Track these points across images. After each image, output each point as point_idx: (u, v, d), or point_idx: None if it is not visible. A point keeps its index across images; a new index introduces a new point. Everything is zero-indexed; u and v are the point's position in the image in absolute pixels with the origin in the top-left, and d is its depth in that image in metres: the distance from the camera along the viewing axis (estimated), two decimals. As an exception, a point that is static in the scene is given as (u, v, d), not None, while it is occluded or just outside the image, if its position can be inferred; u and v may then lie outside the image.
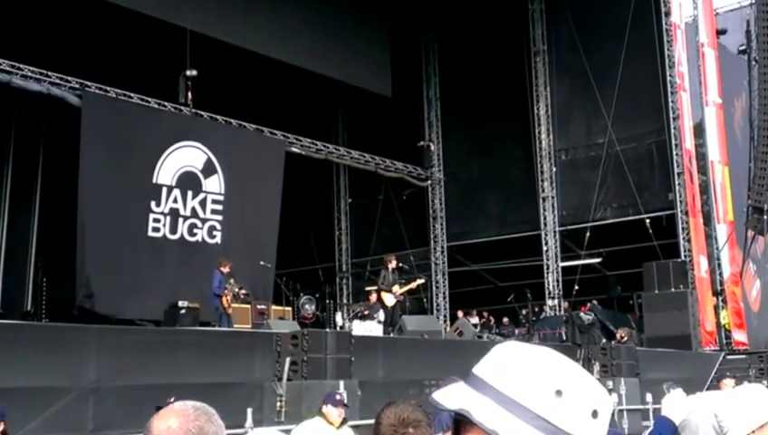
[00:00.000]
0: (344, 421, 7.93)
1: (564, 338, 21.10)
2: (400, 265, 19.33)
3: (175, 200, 20.50)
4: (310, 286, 24.99)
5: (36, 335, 11.71)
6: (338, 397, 7.99)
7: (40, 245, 22.58)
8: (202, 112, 21.49)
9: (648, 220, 23.47)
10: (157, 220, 20.16)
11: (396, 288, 18.03)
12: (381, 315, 18.82)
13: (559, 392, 1.47)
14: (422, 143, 27.99)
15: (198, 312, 16.26)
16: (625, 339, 17.66)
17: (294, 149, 23.86)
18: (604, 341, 17.55)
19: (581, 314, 18.43)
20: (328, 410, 7.64)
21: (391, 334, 17.52)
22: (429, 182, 28.01)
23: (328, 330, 15.53)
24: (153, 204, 20.11)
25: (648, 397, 16.10)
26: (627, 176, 23.90)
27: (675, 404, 4.04)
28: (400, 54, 26.93)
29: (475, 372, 1.55)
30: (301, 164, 24.64)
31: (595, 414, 1.49)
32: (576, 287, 24.48)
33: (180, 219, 20.57)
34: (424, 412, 3.16)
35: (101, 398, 11.04)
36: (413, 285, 18.85)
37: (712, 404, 3.45)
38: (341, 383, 10.19)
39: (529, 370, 1.50)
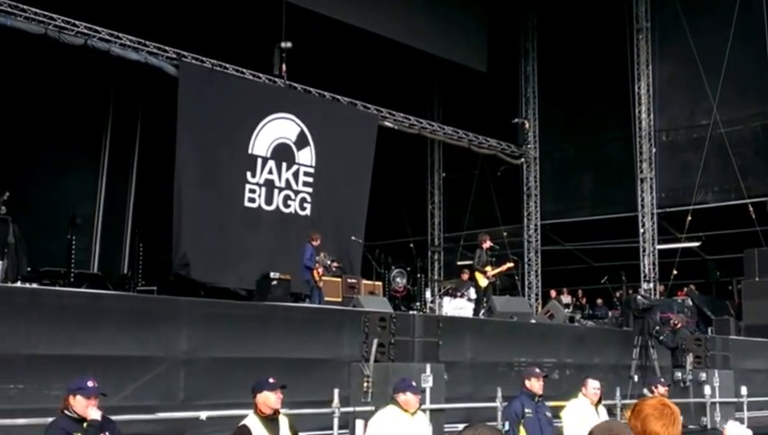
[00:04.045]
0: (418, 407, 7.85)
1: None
2: (493, 244, 19.17)
3: (270, 172, 20.72)
4: (401, 259, 24.95)
5: (130, 306, 11.97)
6: (414, 383, 7.89)
7: (137, 210, 23.15)
8: (296, 85, 21.56)
9: (750, 205, 22.68)
10: (252, 191, 20.41)
11: (488, 269, 17.85)
12: (472, 293, 18.72)
13: None
14: (517, 120, 27.62)
15: (290, 283, 16.38)
16: (679, 326, 17.02)
17: (387, 124, 23.79)
18: (658, 328, 16.95)
19: (638, 297, 17.79)
20: (407, 397, 7.51)
21: (481, 315, 17.40)
22: (523, 160, 27.63)
23: (416, 313, 15.44)
24: (249, 174, 20.34)
25: (743, 389, 15.57)
26: (730, 159, 23.12)
27: None
28: (498, 29, 26.56)
29: None
30: (396, 137, 24.57)
31: None
32: (674, 272, 23.88)
33: (275, 190, 20.78)
34: (501, 435, 3.02)
35: (192, 369, 11.24)
36: (503, 268, 18.61)
37: None
38: (428, 367, 10.08)
39: None
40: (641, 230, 25.28)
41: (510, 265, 19.17)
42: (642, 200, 25.32)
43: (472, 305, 18.48)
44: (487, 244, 18.20)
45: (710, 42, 23.56)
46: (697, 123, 24.45)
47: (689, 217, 23.85)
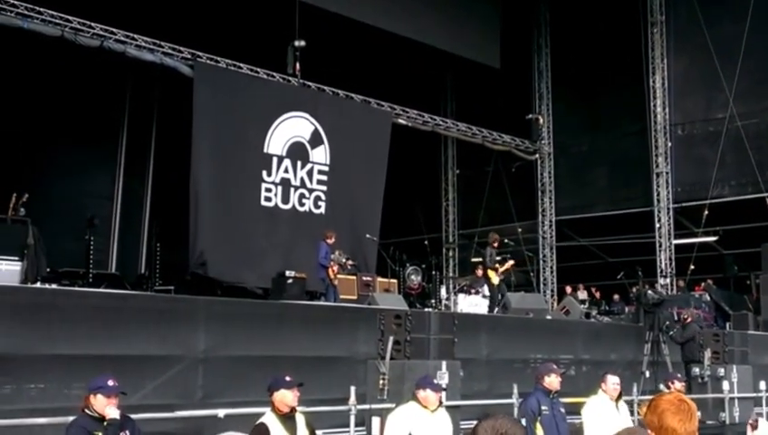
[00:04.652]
0: (439, 404, 7.83)
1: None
2: (504, 240, 19.25)
3: (286, 170, 20.77)
4: (416, 257, 24.96)
5: (148, 305, 12.07)
6: (436, 381, 7.90)
7: (154, 210, 23.25)
8: (310, 83, 21.62)
9: (768, 199, 22.61)
10: (268, 190, 20.46)
11: (497, 267, 18.03)
12: (486, 290, 18.76)
13: None
14: (530, 116, 27.57)
15: (305, 282, 16.40)
16: (689, 320, 16.95)
17: (401, 121, 23.81)
18: (668, 323, 16.86)
19: (648, 292, 17.72)
20: (427, 394, 7.49)
21: (496, 311, 17.42)
22: (537, 155, 27.59)
23: (431, 310, 15.50)
24: (265, 173, 20.41)
25: (762, 384, 15.53)
26: (747, 152, 22.97)
27: None
28: (511, 25, 26.48)
29: None
30: (409, 134, 24.58)
31: None
32: (692, 266, 23.80)
33: (292, 189, 20.83)
34: (522, 427, 3.04)
35: (210, 367, 11.33)
36: (507, 265, 18.72)
37: None
38: (444, 364, 10.13)
39: None
40: (657, 225, 25.17)
41: (512, 262, 19.23)
42: (658, 195, 25.20)
43: (487, 302, 18.53)
44: (497, 243, 18.37)
45: (726, 34, 23.42)
46: (713, 117, 24.29)
47: (706, 212, 23.75)
